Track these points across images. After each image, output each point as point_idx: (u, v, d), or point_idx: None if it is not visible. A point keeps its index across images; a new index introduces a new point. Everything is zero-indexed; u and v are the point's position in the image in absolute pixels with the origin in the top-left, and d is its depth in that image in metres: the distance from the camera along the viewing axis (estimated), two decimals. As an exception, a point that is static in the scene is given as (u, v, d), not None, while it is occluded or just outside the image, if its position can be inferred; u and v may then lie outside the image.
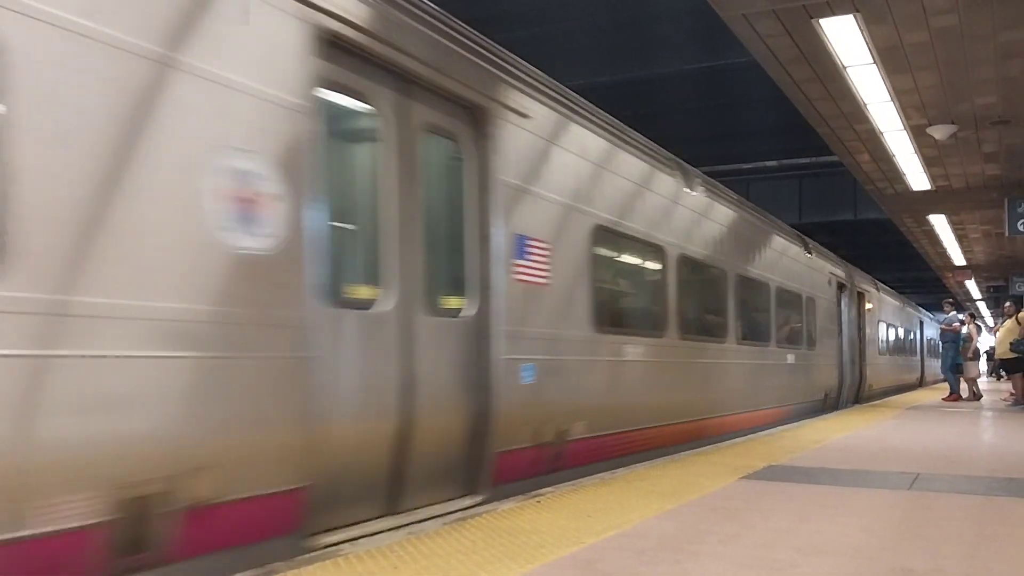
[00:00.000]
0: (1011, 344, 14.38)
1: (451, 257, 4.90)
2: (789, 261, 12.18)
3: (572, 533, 3.77)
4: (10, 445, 2.58)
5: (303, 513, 3.58)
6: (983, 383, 20.79)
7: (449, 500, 4.69)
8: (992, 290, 28.01)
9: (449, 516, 4.16)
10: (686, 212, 8.40)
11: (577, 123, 6.27)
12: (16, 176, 2.61)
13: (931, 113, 9.48)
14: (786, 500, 4.73)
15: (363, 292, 4.30)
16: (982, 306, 36.43)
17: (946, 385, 17.57)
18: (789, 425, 10.61)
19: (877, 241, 25.69)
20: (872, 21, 7.08)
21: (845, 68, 8.12)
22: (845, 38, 7.42)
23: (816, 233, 21.91)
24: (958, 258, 21.78)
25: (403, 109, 4.48)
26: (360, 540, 3.63)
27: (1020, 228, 12.86)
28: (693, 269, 8.57)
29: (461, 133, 4.97)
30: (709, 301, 9.36)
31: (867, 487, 5.29)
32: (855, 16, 6.97)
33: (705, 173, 10.10)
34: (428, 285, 4.55)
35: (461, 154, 4.99)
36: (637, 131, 8.45)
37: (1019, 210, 12.82)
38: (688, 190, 8.48)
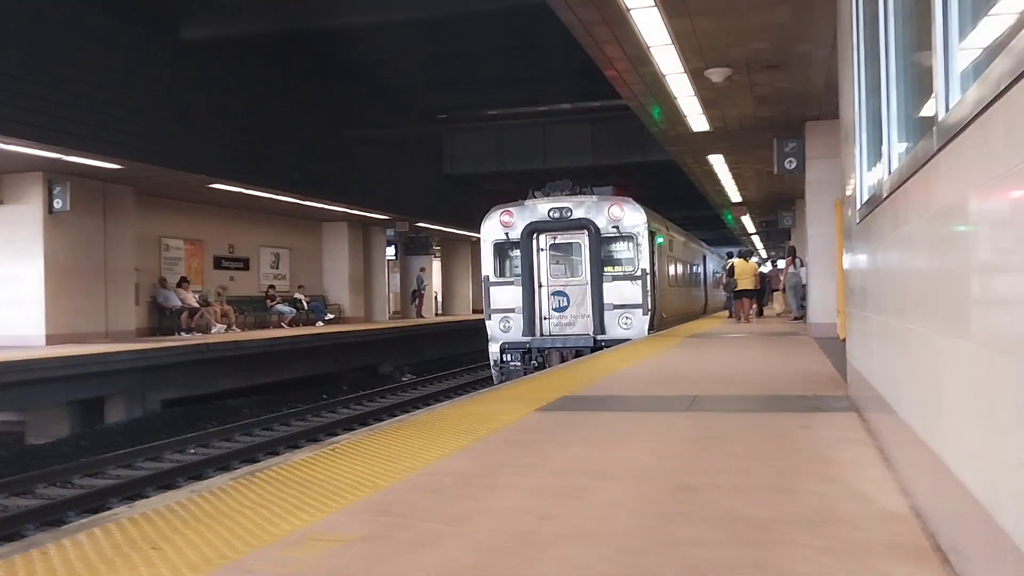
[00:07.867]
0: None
1: None
2: None
3: (368, 478, 3.70)
4: None
5: None
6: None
7: None
8: (764, 224, 30.39)
9: (236, 471, 3.97)
10: None
11: None
12: None
13: (709, 57, 9.97)
14: (579, 429, 4.90)
15: None
16: (756, 240, 39.56)
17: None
18: (586, 357, 11.06)
19: (666, 182, 27.03)
20: (653, -36, 7.29)
21: (629, 11, 8.34)
22: (629, -20, 7.61)
23: (609, 175, 22.69)
24: (735, 195, 23.38)
25: None
26: (137, 502, 3.39)
27: (787, 166, 13.91)
28: None
29: None
30: None
31: (652, 411, 5.59)
32: (637, -42, 7.15)
33: (508, 116, 10.08)
34: None
35: None
36: (446, 71, 7.99)
37: (786, 149, 13.84)
38: None
